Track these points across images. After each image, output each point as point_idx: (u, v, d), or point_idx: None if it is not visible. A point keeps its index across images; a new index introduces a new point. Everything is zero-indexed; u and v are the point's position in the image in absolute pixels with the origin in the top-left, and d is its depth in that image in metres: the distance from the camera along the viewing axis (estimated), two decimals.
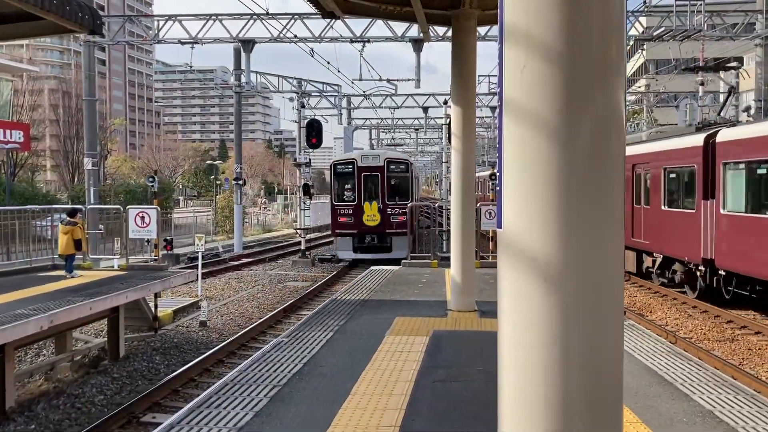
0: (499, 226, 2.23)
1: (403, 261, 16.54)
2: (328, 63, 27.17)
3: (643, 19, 28.45)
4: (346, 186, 25.44)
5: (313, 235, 36.97)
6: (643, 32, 27.59)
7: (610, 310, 2.15)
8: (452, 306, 10.44)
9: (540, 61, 2.07)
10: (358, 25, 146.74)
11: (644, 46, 28.40)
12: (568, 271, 2.08)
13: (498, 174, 2.23)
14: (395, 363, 7.48)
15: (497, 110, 2.31)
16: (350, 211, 25.21)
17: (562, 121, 2.07)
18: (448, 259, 20.42)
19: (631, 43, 71.08)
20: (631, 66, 64.45)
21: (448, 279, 13.85)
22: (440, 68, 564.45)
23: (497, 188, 2.29)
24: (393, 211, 24.90)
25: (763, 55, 25.25)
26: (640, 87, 48.87)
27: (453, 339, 8.58)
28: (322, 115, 37.53)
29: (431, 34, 26.28)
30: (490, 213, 16.74)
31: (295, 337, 8.92)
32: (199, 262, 19.79)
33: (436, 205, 20.27)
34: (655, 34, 24.94)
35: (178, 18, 26.25)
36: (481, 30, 23.58)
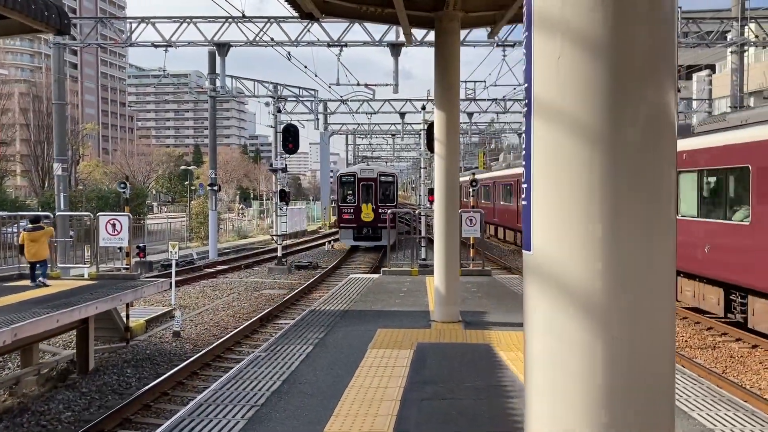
0: (527, 247, 1.88)
1: (382, 269, 16.22)
2: (306, 67, 26.76)
3: None
4: (349, 192, 34.23)
5: (289, 241, 36.50)
6: None
7: (663, 349, 1.80)
8: (436, 317, 10.11)
9: (579, 51, 1.73)
10: (335, 29, 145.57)
11: None
12: (615, 301, 1.73)
13: (525, 186, 1.88)
14: (379, 379, 7.11)
15: (524, 111, 1.95)
16: (351, 210, 33.98)
17: (605, 123, 1.73)
18: (427, 266, 20.25)
19: None
20: None
21: (429, 288, 13.53)
22: (417, 74, 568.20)
23: (523, 203, 1.94)
24: (383, 211, 32.30)
25: (738, 61, 25.37)
26: None
27: (438, 352, 8.24)
28: (298, 120, 37.14)
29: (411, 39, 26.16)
30: (471, 220, 16.69)
31: (273, 351, 8.50)
32: (173, 270, 19.23)
33: (416, 212, 20.33)
34: None
35: (152, 20, 25.66)
36: (461, 33, 23.59)
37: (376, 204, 34.13)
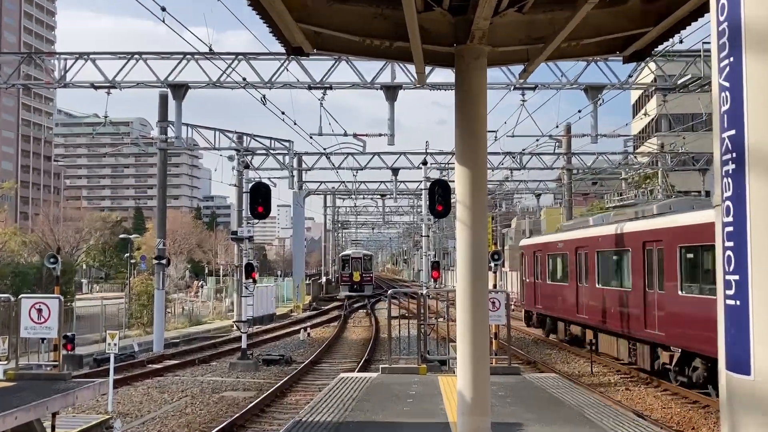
0: (736, 367, 1.54)
1: (381, 366, 15.75)
2: (283, 113, 26.82)
3: (654, 64, 28.59)
4: (346, 265, 71.04)
5: (255, 329, 35.82)
6: (656, 80, 27.59)
7: None
8: (460, 431, 9.60)
9: None
10: (317, 68, 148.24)
11: (663, 98, 28.65)
12: None
13: (727, 269, 1.55)
14: None
15: (726, 166, 1.63)
16: (348, 276, 69.90)
17: None
18: (437, 362, 19.75)
19: (639, 94, 72.99)
20: (640, 122, 65.99)
21: (445, 390, 13.05)
22: (404, 122, 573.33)
23: (725, 295, 1.60)
24: (365, 276, 70.22)
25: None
26: (652, 146, 49.80)
27: None
28: (268, 178, 37.13)
29: (405, 81, 26.40)
30: (494, 303, 16.02)
31: None
32: (111, 367, 18.62)
33: (423, 292, 20.13)
34: (679, 82, 25.25)
35: (92, 56, 25.73)
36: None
37: (361, 271, 70.53)
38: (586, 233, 27.83)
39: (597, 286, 26.22)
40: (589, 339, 26.84)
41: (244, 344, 27.46)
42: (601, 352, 26.08)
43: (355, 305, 60.64)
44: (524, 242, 38.01)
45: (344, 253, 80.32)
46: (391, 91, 26.08)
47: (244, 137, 30.06)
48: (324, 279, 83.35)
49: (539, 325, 34.91)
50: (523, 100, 27.64)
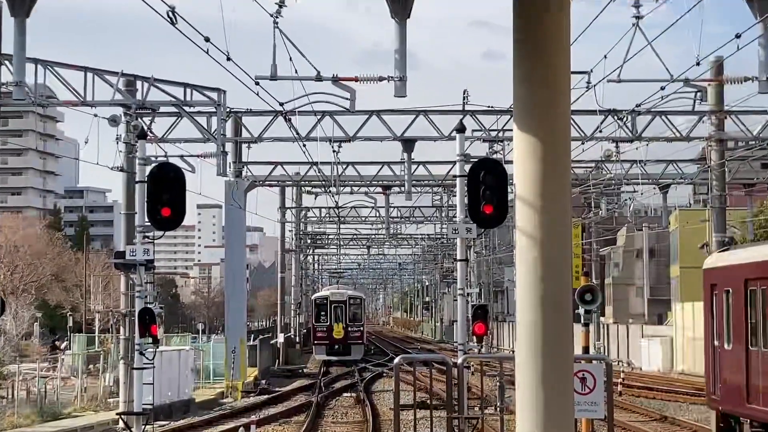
0: None
1: None
2: (207, 40, 16.49)
3: None
4: (322, 313, 54.08)
5: (159, 427, 25.25)
6: None
7: None
8: None
9: None
10: None
11: None
12: None
13: None
14: None
15: None
16: (324, 329, 52.94)
17: None
18: None
19: None
20: None
21: None
22: (428, 58, 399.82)
23: None
24: (352, 329, 52.48)
25: None
26: None
27: None
28: (181, 157, 25.31)
29: None
30: (583, 381, 12.06)
31: None
32: None
33: (458, 360, 11.72)
34: None
35: None
36: None
37: (345, 323, 52.56)
38: None
39: None
40: None
41: None
42: None
43: (335, 384, 41.12)
44: (716, 261, 21.89)
45: (319, 294, 59.99)
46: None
47: (138, 83, 22.02)
48: (281, 337, 55.92)
49: None
50: (638, 17, 19.83)
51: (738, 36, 19.06)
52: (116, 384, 31.65)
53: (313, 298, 60.29)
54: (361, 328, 54.69)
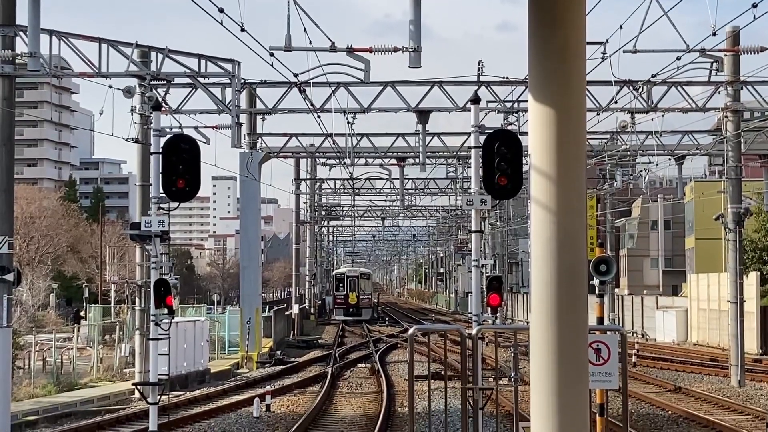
0: None
1: None
2: (222, 11, 16.14)
3: None
4: (340, 285, 70.60)
5: (174, 396, 24.53)
6: None
7: None
8: None
9: None
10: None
11: None
12: None
13: None
14: None
15: None
16: (342, 297, 69.70)
17: None
18: None
19: None
20: None
21: None
22: (442, 31, 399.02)
23: None
24: (363, 297, 69.76)
25: None
26: None
27: None
28: (195, 128, 24.91)
29: None
30: (598, 351, 11.75)
31: None
32: None
33: (472, 331, 10.86)
34: None
35: None
36: None
37: (358, 293, 69.09)
38: None
39: None
40: None
41: (152, 426, 17.27)
42: None
43: (350, 355, 41.39)
44: None
45: (338, 270, 78.26)
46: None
47: (153, 54, 20.84)
48: (296, 308, 55.51)
49: None
50: None
51: (755, 5, 18.75)
52: (132, 354, 31.05)
53: (334, 273, 77.96)
54: (370, 296, 72.44)
